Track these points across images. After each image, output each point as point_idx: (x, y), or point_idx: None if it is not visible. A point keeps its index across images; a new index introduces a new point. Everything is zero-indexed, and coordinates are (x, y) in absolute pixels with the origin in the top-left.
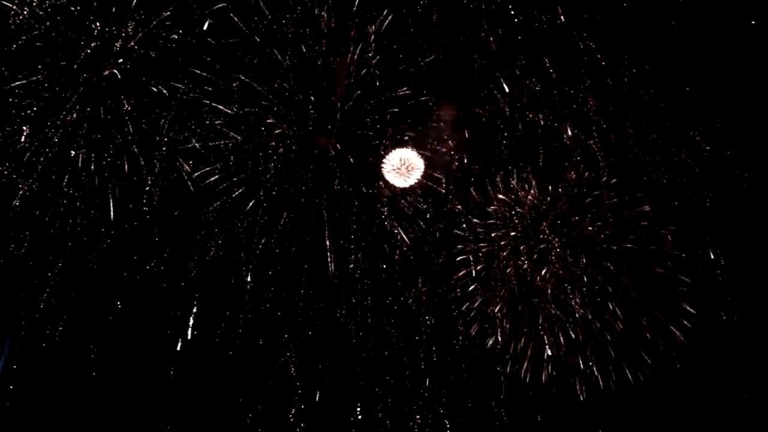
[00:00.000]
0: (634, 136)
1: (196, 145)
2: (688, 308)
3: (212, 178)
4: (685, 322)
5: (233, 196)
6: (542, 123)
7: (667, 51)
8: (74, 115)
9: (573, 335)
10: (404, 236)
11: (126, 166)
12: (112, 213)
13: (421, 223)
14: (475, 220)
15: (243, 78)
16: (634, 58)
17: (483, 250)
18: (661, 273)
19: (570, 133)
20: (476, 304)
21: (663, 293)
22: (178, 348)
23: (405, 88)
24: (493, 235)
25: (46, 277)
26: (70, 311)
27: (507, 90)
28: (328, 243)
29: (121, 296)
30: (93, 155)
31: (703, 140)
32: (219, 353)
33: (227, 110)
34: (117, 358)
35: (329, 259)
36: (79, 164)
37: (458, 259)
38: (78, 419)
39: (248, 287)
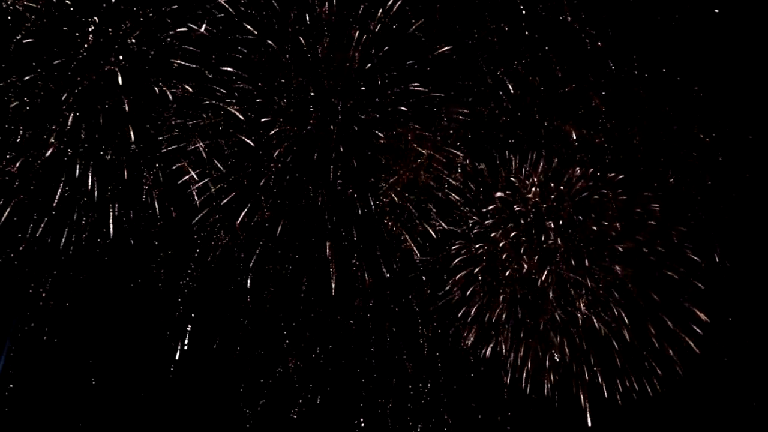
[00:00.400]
0: (639, 135)
1: (200, 146)
2: (699, 315)
3: (208, 179)
4: (697, 329)
5: (231, 197)
6: (546, 123)
7: (675, 50)
8: (72, 114)
9: (577, 343)
10: (410, 240)
11: (125, 169)
12: (111, 218)
13: (426, 225)
14: (475, 218)
15: (238, 71)
16: (641, 56)
17: (483, 250)
18: (671, 276)
19: (575, 130)
20: (474, 309)
21: (673, 298)
22: (177, 357)
23: (417, 84)
24: (492, 235)
25: (44, 281)
26: (68, 315)
27: (511, 88)
28: (328, 248)
29: (120, 301)
30: (91, 162)
31: (711, 141)
32: (219, 359)
33: (226, 108)
34: (116, 365)
35: (330, 265)
36: (77, 168)
37: (456, 260)
38: (77, 425)
39: (248, 292)
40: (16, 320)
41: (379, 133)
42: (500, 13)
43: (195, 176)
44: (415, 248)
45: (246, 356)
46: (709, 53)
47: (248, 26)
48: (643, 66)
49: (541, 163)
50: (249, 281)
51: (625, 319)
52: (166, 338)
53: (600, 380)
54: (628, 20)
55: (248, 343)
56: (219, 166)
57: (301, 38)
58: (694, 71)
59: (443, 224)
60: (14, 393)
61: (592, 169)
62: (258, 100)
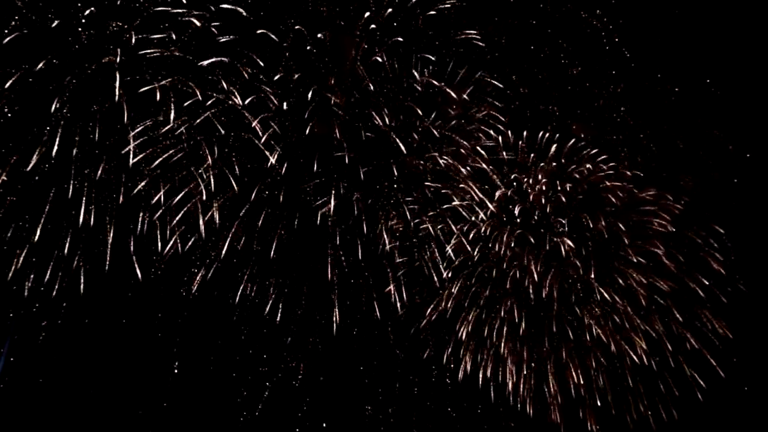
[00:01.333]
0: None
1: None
2: (720, 329)
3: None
4: (717, 342)
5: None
6: (553, 122)
7: (689, 49)
8: (65, 113)
9: (586, 361)
10: (430, 265)
11: (123, 177)
12: (112, 231)
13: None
14: (472, 218)
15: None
16: (656, 54)
17: (481, 254)
18: (692, 287)
19: (583, 127)
20: (471, 326)
21: (692, 311)
22: (176, 366)
23: (426, 78)
24: (493, 237)
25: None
26: (66, 321)
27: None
28: (330, 259)
29: (119, 309)
30: (87, 170)
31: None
32: (220, 366)
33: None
34: (116, 372)
35: (331, 274)
36: (72, 172)
37: (454, 264)
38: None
39: (249, 301)
40: (14, 322)
41: (398, 141)
42: (511, 9)
43: (198, 177)
44: (434, 274)
45: (245, 363)
46: (726, 54)
47: (242, 11)
48: (659, 65)
49: (550, 154)
50: (249, 290)
51: (640, 334)
52: (166, 344)
53: (611, 403)
54: (646, 18)
55: (248, 349)
56: (222, 166)
57: (300, 27)
58: (714, 71)
59: (463, 238)
60: (14, 394)
61: (604, 166)
62: (250, 98)
